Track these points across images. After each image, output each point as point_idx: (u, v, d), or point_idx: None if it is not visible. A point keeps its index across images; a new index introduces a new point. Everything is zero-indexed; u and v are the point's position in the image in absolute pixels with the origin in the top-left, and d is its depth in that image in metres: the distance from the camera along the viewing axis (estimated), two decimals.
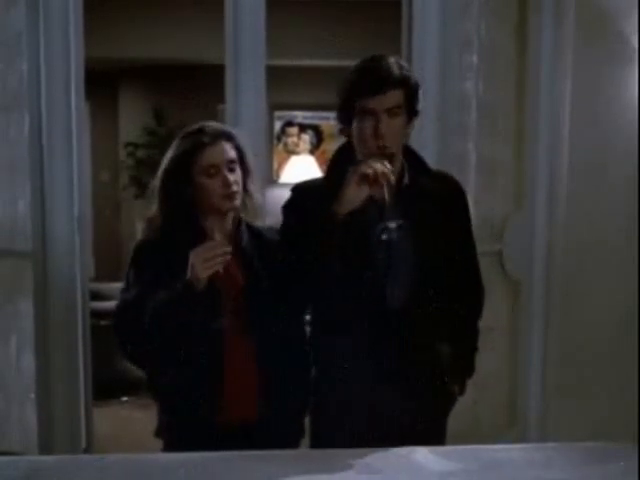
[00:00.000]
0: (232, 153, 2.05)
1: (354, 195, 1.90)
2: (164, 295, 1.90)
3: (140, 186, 6.39)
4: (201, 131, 2.05)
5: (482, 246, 2.25)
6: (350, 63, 2.00)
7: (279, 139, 7.13)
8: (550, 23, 3.25)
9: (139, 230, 2.49)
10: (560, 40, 3.24)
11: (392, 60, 1.96)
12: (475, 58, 3.26)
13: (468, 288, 2.15)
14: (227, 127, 2.17)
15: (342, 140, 2.10)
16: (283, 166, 6.97)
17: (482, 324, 2.20)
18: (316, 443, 2.10)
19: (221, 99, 3.13)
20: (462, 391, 2.15)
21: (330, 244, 1.90)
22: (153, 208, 2.08)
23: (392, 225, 1.99)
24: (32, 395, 3.12)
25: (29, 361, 3.11)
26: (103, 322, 3.58)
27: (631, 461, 1.75)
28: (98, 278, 5.42)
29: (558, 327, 3.35)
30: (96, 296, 4.09)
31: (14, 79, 3.06)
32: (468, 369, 2.16)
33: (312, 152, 7.06)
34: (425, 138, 2.92)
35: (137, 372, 2.16)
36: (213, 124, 2.10)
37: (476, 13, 3.24)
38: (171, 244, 2.02)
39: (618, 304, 3.31)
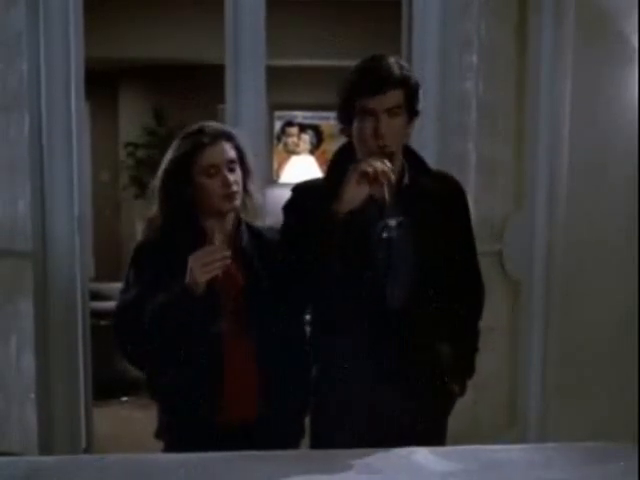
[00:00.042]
0: (232, 153, 2.05)
1: (354, 193, 1.90)
2: (163, 298, 1.90)
3: (140, 186, 6.39)
4: (201, 131, 2.05)
5: (482, 246, 2.25)
6: (350, 63, 2.00)
7: (279, 139, 7.13)
8: (550, 23, 3.24)
9: (139, 230, 2.49)
10: (560, 40, 3.24)
11: (392, 60, 1.96)
12: (475, 58, 3.26)
13: (468, 288, 2.15)
14: (227, 127, 2.17)
15: (342, 140, 2.10)
16: (283, 166, 6.97)
17: (482, 324, 2.20)
18: (316, 443, 2.10)
19: (221, 99, 3.13)
20: (462, 391, 2.15)
21: (330, 244, 1.90)
22: (153, 208, 2.08)
23: (392, 223, 1.99)
24: (32, 395, 3.12)
25: (29, 361, 3.11)
26: (103, 322, 3.58)
27: (631, 461, 1.75)
28: (98, 278, 5.42)
29: (558, 327, 3.35)
30: (96, 296, 4.09)
31: (14, 79, 3.06)
32: (468, 369, 2.16)
33: (312, 152, 7.06)
34: (425, 138, 2.92)
35: (137, 372, 2.16)
36: (213, 124, 2.10)
37: (476, 13, 3.24)
38: (171, 244, 2.02)
39: (618, 304, 3.31)
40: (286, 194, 2.10)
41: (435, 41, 3.11)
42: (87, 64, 3.11)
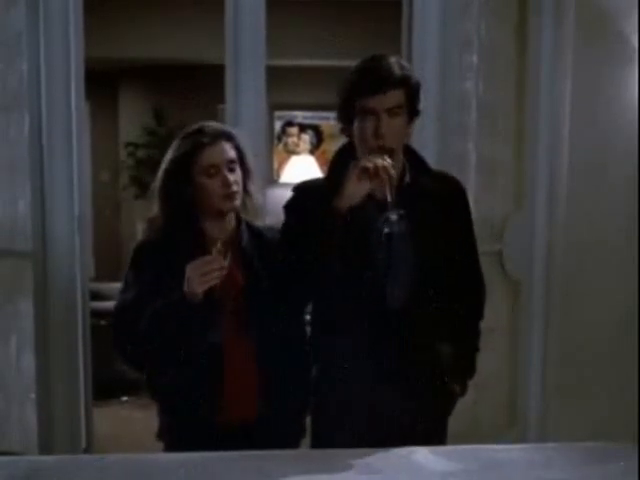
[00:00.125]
0: (232, 153, 2.05)
1: (355, 189, 1.90)
2: (161, 304, 1.90)
3: (140, 186, 6.39)
4: (201, 131, 2.05)
5: (482, 246, 2.25)
6: (350, 63, 2.00)
7: (279, 139, 7.13)
8: (550, 23, 3.24)
9: (139, 230, 2.49)
10: (560, 40, 3.24)
11: (393, 60, 1.96)
12: (475, 58, 3.26)
13: (469, 288, 2.15)
14: (227, 127, 2.18)
15: (343, 140, 2.10)
16: (283, 166, 6.97)
17: (482, 325, 2.20)
18: (316, 443, 2.10)
19: (221, 99, 3.13)
20: (463, 391, 2.15)
21: (330, 244, 1.90)
22: (154, 208, 2.08)
23: (393, 217, 1.99)
24: (32, 395, 3.12)
25: (29, 361, 3.11)
26: (103, 322, 3.59)
27: (631, 461, 1.75)
28: (98, 278, 5.42)
29: (558, 327, 3.35)
30: (96, 296, 4.09)
31: (14, 79, 3.05)
32: (469, 369, 2.16)
33: (312, 152, 7.06)
34: (425, 138, 2.92)
35: (137, 372, 2.17)
36: (213, 124, 2.10)
37: (476, 13, 3.24)
38: (171, 245, 2.02)
39: (618, 304, 3.31)
40: (286, 194, 2.10)
41: (435, 41, 3.11)
42: (87, 64, 3.11)
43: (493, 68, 3.30)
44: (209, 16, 3.71)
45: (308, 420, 2.15)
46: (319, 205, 1.91)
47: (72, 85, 3.04)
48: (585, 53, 3.23)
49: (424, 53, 3.12)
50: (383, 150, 1.92)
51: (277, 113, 6.98)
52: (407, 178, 2.04)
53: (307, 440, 2.13)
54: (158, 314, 1.91)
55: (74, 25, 3.03)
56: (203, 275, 1.86)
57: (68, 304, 3.10)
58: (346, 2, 5.43)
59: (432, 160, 2.26)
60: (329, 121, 6.74)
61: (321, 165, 6.61)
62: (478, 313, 2.19)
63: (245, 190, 2.08)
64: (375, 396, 2.00)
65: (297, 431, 2.14)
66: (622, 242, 3.31)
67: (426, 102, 2.06)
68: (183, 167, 2.03)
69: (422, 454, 1.86)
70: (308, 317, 2.16)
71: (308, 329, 2.15)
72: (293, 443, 2.10)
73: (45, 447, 3.08)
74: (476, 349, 2.17)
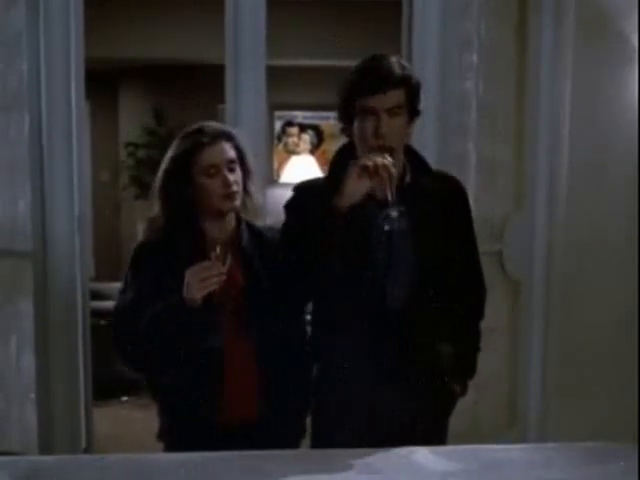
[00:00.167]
0: (232, 153, 2.05)
1: (355, 188, 1.89)
2: (161, 307, 1.90)
3: (140, 186, 6.39)
4: (201, 131, 2.05)
5: (482, 246, 2.25)
6: (350, 63, 2.00)
7: (279, 139, 7.13)
8: (550, 23, 3.24)
9: (140, 230, 2.49)
10: (560, 40, 3.24)
11: (393, 60, 1.96)
12: (475, 58, 3.26)
13: (469, 288, 2.15)
14: (227, 127, 2.18)
15: (343, 140, 2.10)
16: (283, 166, 6.97)
17: (482, 325, 2.20)
18: (316, 443, 2.10)
19: (221, 99, 3.13)
20: (464, 392, 2.15)
21: (330, 243, 1.90)
22: (155, 209, 2.08)
23: (394, 213, 1.99)
24: (32, 395, 3.12)
25: (29, 361, 3.11)
26: (103, 322, 3.59)
27: (631, 461, 1.75)
28: (98, 278, 5.42)
29: (558, 327, 3.35)
30: (96, 296, 4.09)
31: (14, 79, 3.05)
32: (470, 369, 2.16)
33: (312, 152, 7.06)
34: (425, 138, 2.92)
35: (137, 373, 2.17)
36: (213, 124, 2.10)
37: (476, 13, 3.24)
38: (171, 245, 2.02)
39: (618, 304, 3.31)
40: (286, 194, 2.10)
41: (435, 41, 3.11)
42: (87, 64, 3.11)
43: (493, 68, 3.30)
44: (209, 16, 3.71)
45: (308, 420, 2.15)
46: (319, 205, 1.91)
47: (72, 85, 3.04)
48: (585, 53, 3.23)
49: (424, 53, 3.12)
50: (383, 150, 1.92)
51: (277, 113, 6.98)
52: (407, 178, 2.04)
53: (307, 440, 2.13)
54: (158, 316, 1.91)
55: (74, 25, 3.03)
56: (202, 281, 1.86)
57: (68, 304, 3.10)
58: (346, 2, 5.43)
59: (432, 160, 2.26)
60: (329, 121, 6.75)
61: (321, 165, 6.61)
62: (478, 313, 2.19)
63: (245, 190, 2.08)
64: (375, 396, 2.00)
65: (297, 431, 2.14)
66: (622, 242, 3.31)
67: (426, 102, 2.05)
68: (183, 167, 2.03)
69: (422, 454, 1.86)
70: (308, 317, 2.16)
71: (308, 329, 2.15)
72: (293, 443, 2.10)
73: (45, 447, 3.08)
74: (476, 349, 2.17)
